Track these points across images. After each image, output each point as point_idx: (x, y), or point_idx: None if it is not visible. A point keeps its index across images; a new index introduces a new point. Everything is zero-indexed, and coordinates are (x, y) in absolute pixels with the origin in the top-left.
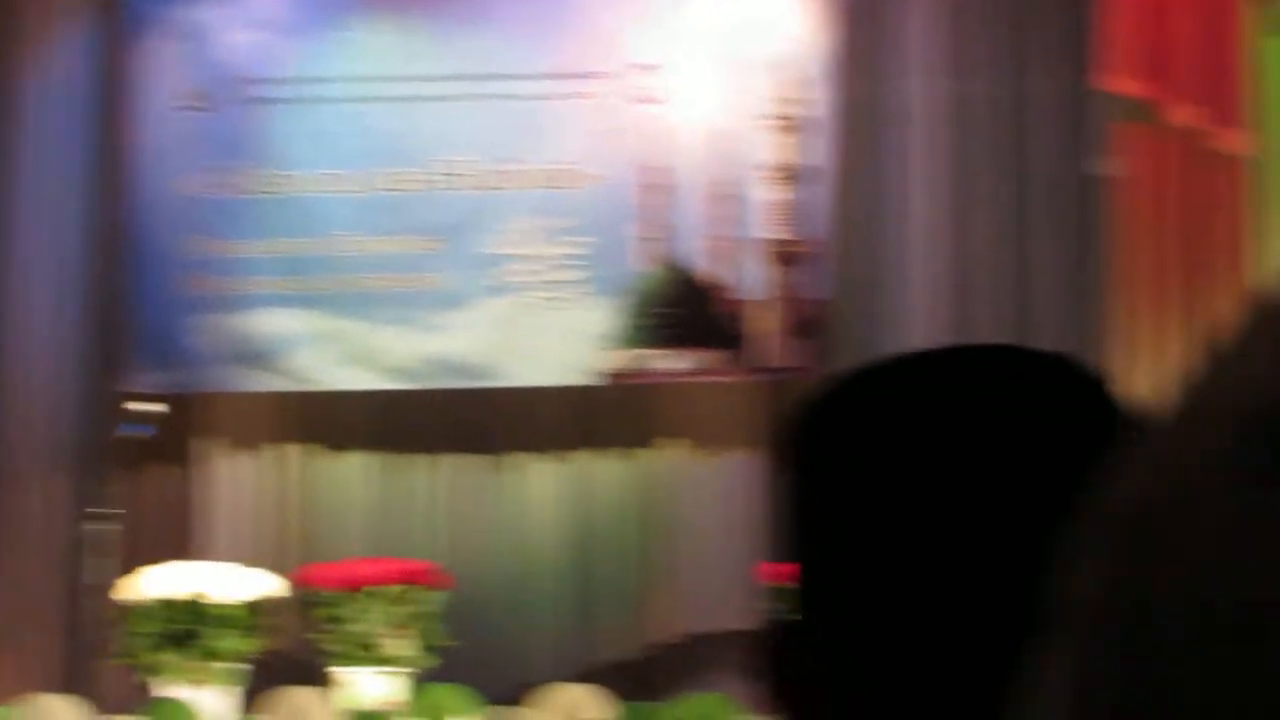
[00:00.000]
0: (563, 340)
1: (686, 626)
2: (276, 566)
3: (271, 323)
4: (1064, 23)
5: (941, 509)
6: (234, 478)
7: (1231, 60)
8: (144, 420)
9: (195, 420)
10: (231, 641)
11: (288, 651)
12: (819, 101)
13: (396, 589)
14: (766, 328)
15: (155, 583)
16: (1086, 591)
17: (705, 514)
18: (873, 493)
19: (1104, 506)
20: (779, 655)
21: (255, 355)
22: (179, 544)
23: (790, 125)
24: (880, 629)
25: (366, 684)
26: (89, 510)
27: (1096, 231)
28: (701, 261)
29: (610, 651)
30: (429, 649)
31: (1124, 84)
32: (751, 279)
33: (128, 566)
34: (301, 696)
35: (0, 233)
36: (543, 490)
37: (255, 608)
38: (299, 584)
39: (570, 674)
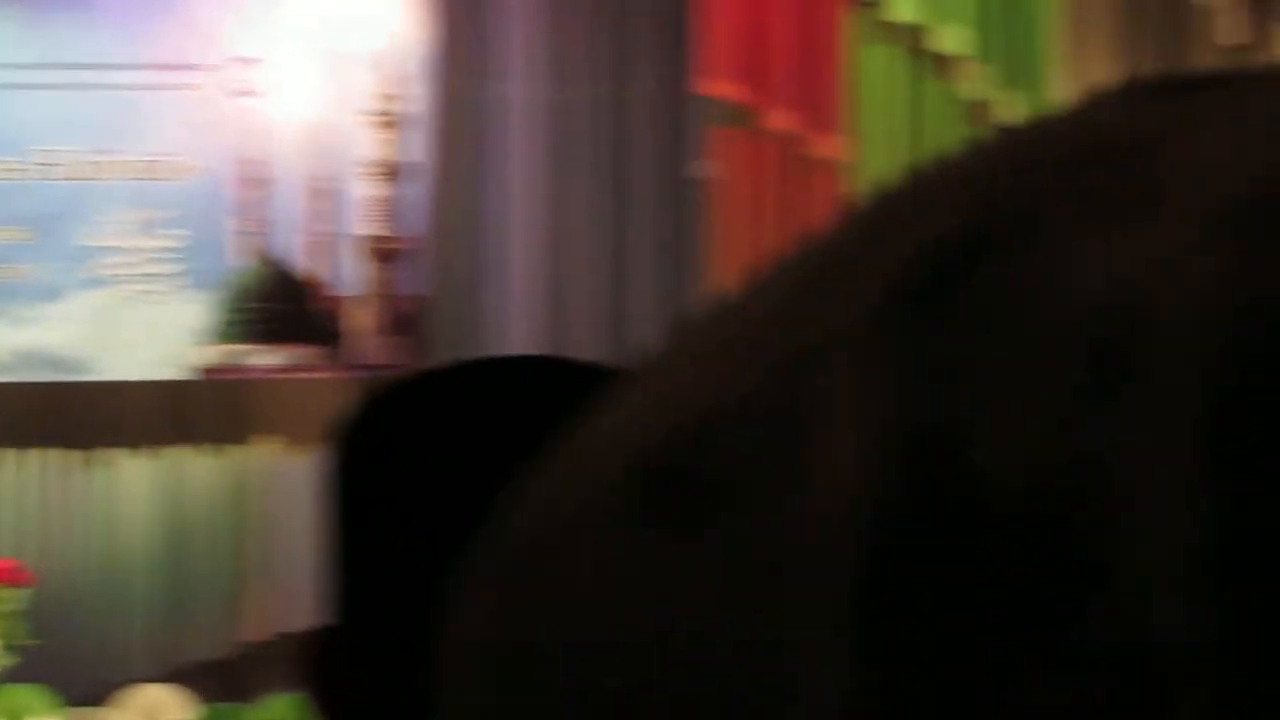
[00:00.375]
0: (157, 334)
1: (280, 625)
2: None
3: None
4: (663, 27)
5: (471, 515)
6: None
7: (828, 67)
8: None
9: None
10: None
11: None
12: (419, 99)
13: None
14: (363, 324)
15: None
16: (469, 629)
17: (300, 511)
18: (407, 497)
19: (496, 538)
20: (319, 658)
21: None
22: None
23: (390, 122)
24: (411, 635)
25: None
26: None
27: (694, 234)
28: (299, 257)
29: (201, 651)
30: (9, 648)
31: (722, 89)
32: (349, 275)
33: None
34: None
35: None
36: (135, 486)
37: None
38: None
39: (159, 674)
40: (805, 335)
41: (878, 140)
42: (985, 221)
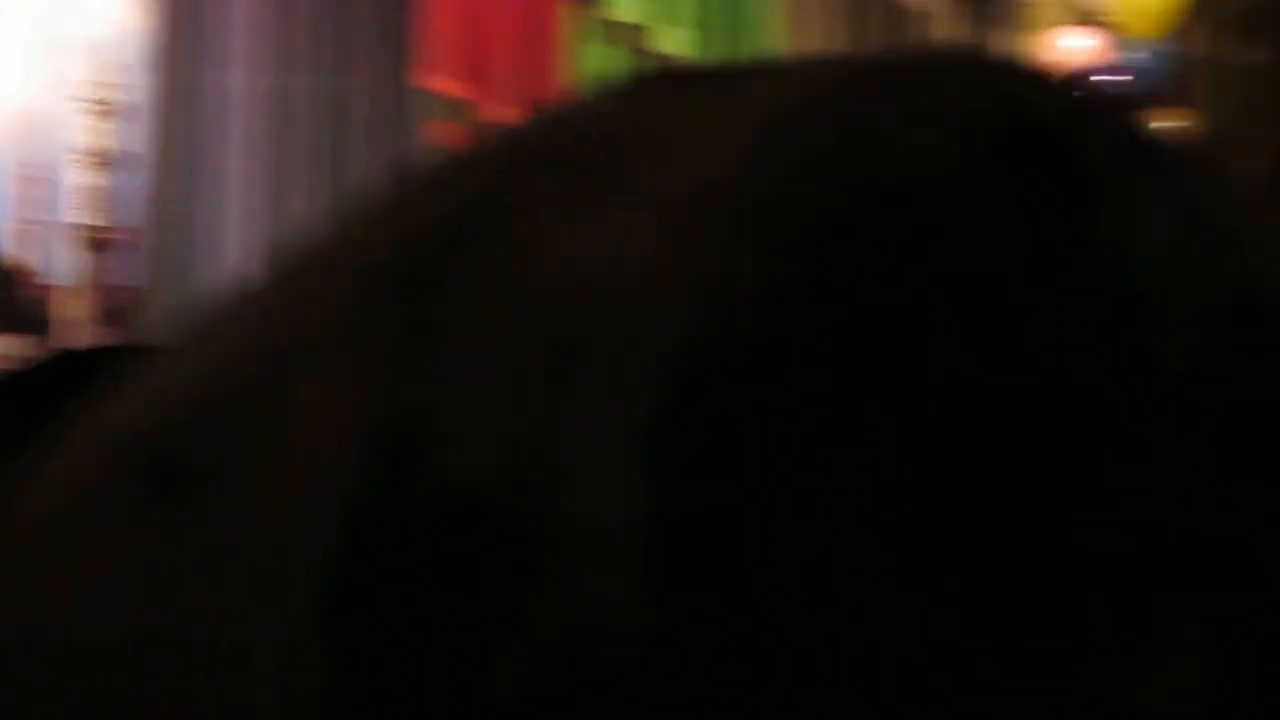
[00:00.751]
0: None
1: None
2: None
3: None
4: (385, 20)
5: None
6: None
7: (548, 64)
8: None
9: None
10: None
11: None
12: (138, 87)
13: None
14: (75, 314)
15: None
16: None
17: None
18: None
19: None
20: None
21: None
22: None
23: (106, 110)
24: None
25: None
26: None
27: None
28: (9, 245)
29: None
30: None
31: (442, 83)
32: (61, 264)
33: None
34: None
35: None
36: None
37: None
38: None
39: None
40: (294, 326)
41: None
42: (462, 213)
